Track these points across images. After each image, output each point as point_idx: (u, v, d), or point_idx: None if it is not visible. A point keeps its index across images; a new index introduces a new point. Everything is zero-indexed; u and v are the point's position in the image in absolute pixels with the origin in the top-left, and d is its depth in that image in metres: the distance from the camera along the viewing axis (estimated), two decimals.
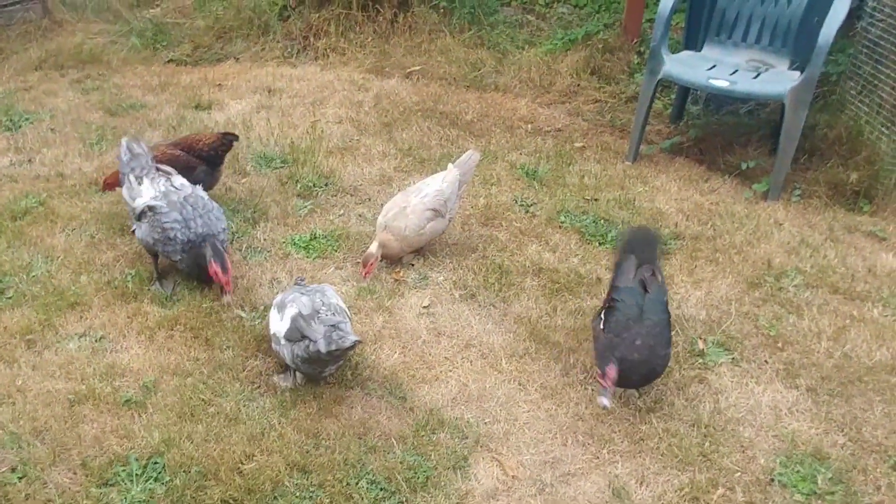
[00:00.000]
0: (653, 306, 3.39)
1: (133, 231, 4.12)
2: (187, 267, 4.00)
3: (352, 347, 3.28)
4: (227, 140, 4.65)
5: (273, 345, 3.46)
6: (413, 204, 4.23)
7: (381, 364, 3.64)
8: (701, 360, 3.70)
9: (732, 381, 3.59)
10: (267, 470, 3.06)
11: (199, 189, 4.11)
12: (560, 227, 4.67)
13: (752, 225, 4.72)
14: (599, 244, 4.51)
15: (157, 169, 4.14)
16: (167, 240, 3.92)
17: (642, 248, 3.68)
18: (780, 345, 3.80)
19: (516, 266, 4.31)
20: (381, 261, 4.22)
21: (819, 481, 3.11)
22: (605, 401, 3.14)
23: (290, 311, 3.37)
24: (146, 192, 4.02)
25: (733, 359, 3.71)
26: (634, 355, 3.23)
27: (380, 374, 3.58)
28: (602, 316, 3.49)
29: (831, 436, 3.32)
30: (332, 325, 3.28)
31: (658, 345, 3.29)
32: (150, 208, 3.95)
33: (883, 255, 4.49)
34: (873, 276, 4.30)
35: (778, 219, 4.83)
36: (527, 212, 4.83)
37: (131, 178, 4.10)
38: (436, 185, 4.30)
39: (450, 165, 4.43)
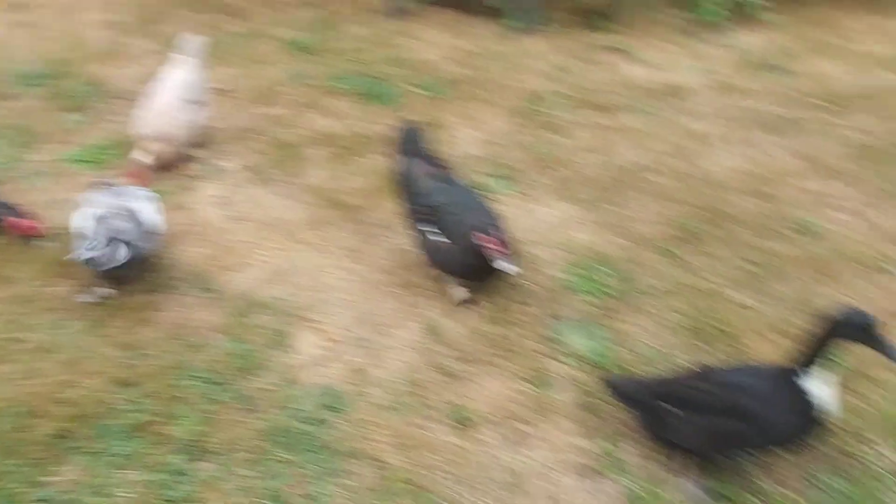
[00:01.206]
0: (462, 190, 3.04)
1: None
2: None
3: (117, 261, 2.85)
4: None
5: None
6: (169, 102, 3.66)
7: (186, 261, 3.22)
8: (487, 194, 3.53)
9: (517, 207, 3.50)
10: (92, 393, 2.64)
11: None
12: (337, 93, 4.28)
13: (512, 59, 4.56)
14: (376, 103, 4.19)
15: None
16: None
17: (415, 145, 3.21)
18: (552, 165, 3.75)
19: (301, 138, 3.93)
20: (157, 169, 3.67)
21: (604, 280, 3.14)
22: (510, 266, 2.76)
23: (88, 212, 2.93)
24: None
25: (514, 186, 3.63)
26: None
27: (186, 271, 3.16)
28: (429, 230, 3.01)
29: (608, 238, 3.35)
30: (113, 238, 2.84)
31: (489, 214, 2.94)
32: None
33: (629, 67, 4.51)
34: (624, 88, 4.32)
35: (534, 50, 4.70)
36: (302, 83, 4.38)
37: None
38: (179, 77, 3.73)
39: (177, 56, 3.84)
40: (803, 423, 2.28)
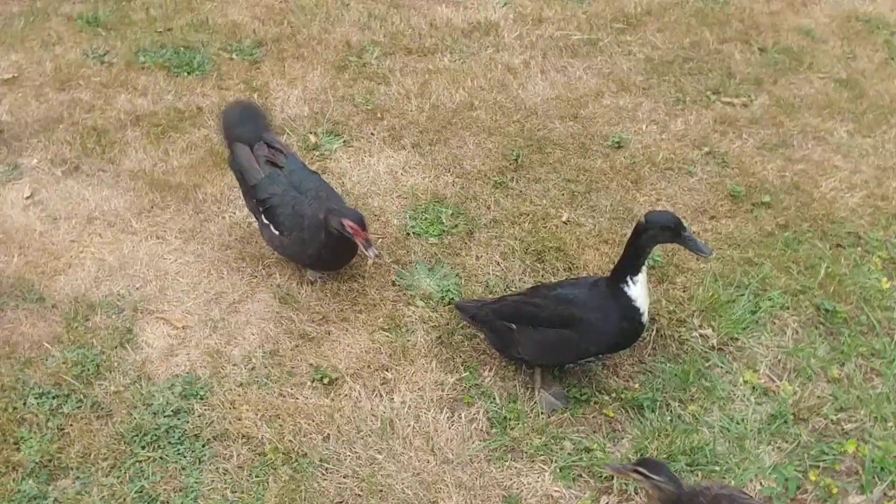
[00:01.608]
0: (299, 175, 2.74)
1: None
2: None
3: None
4: None
5: None
6: None
7: (5, 273, 2.86)
8: (318, 153, 3.42)
9: (350, 162, 3.39)
10: None
11: None
12: (143, 68, 3.88)
13: (322, 13, 4.31)
14: (188, 73, 3.86)
15: None
16: None
17: (243, 127, 2.84)
18: (379, 115, 3.64)
19: (112, 122, 3.54)
20: None
21: (444, 219, 3.12)
22: (373, 252, 2.54)
23: None
24: None
25: (345, 141, 3.49)
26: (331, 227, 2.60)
27: (6, 284, 2.82)
28: (266, 222, 2.74)
29: (442, 178, 3.32)
30: None
31: (332, 199, 2.72)
32: None
33: (438, 8, 4.40)
34: (436, 30, 4.23)
35: (345, 0, 4.49)
36: (102, 63, 3.93)
37: None
38: None
39: None
40: (630, 327, 2.39)
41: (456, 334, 2.69)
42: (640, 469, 2.00)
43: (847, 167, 3.45)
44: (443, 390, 2.54)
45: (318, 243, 2.63)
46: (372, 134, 3.54)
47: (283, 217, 2.68)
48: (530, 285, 2.80)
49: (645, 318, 2.39)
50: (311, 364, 2.60)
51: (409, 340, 2.68)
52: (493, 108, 3.70)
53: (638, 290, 2.33)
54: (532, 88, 3.86)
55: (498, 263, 2.96)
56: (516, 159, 3.41)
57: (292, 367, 2.59)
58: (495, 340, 2.56)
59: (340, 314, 2.76)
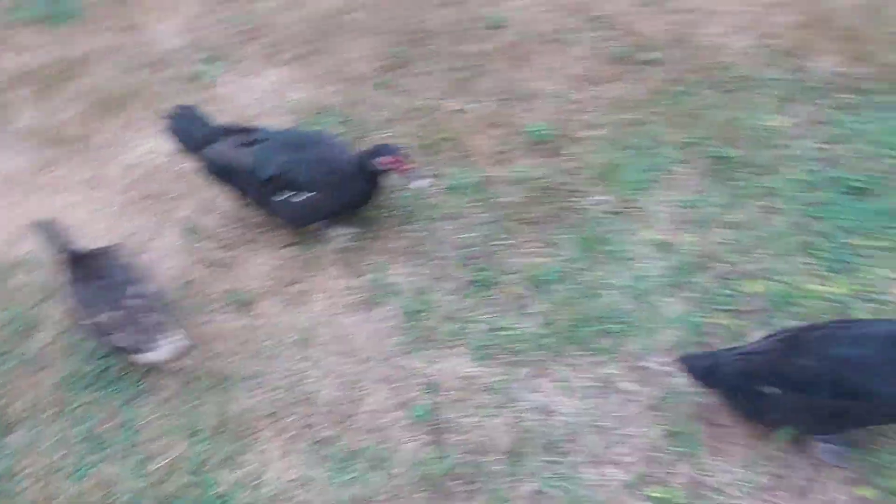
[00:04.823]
0: (285, 135, 2.49)
1: None
2: None
3: None
4: None
5: None
6: None
7: None
8: (201, 81, 3.24)
9: (235, 86, 3.21)
10: None
11: None
12: (16, 24, 3.57)
13: None
14: (63, 23, 3.54)
15: None
16: None
17: (196, 129, 2.56)
18: (257, 33, 3.41)
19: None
20: None
21: (334, 129, 2.99)
22: (425, 182, 2.29)
23: None
24: None
25: (228, 65, 3.30)
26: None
27: None
28: (286, 196, 2.49)
29: (327, 88, 3.18)
30: None
31: (338, 143, 2.52)
32: None
33: None
34: None
35: None
36: None
37: None
38: None
39: None
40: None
41: (361, 238, 2.67)
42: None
43: (732, 9, 3.25)
44: (355, 294, 2.52)
45: (350, 185, 2.41)
46: (251, 54, 3.33)
47: (310, 172, 2.44)
48: (781, 330, 2.02)
49: None
50: (225, 289, 2.57)
51: (316, 251, 2.64)
52: (367, 8, 3.47)
53: None
54: None
55: None
56: (397, 56, 3.24)
57: (207, 295, 2.55)
58: (743, 406, 1.95)
59: (247, 238, 2.71)
